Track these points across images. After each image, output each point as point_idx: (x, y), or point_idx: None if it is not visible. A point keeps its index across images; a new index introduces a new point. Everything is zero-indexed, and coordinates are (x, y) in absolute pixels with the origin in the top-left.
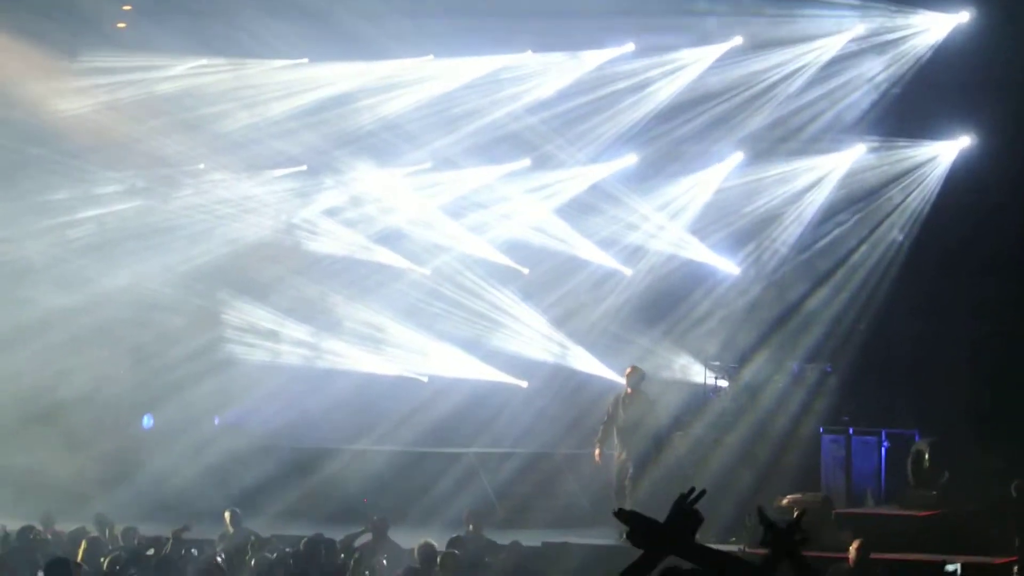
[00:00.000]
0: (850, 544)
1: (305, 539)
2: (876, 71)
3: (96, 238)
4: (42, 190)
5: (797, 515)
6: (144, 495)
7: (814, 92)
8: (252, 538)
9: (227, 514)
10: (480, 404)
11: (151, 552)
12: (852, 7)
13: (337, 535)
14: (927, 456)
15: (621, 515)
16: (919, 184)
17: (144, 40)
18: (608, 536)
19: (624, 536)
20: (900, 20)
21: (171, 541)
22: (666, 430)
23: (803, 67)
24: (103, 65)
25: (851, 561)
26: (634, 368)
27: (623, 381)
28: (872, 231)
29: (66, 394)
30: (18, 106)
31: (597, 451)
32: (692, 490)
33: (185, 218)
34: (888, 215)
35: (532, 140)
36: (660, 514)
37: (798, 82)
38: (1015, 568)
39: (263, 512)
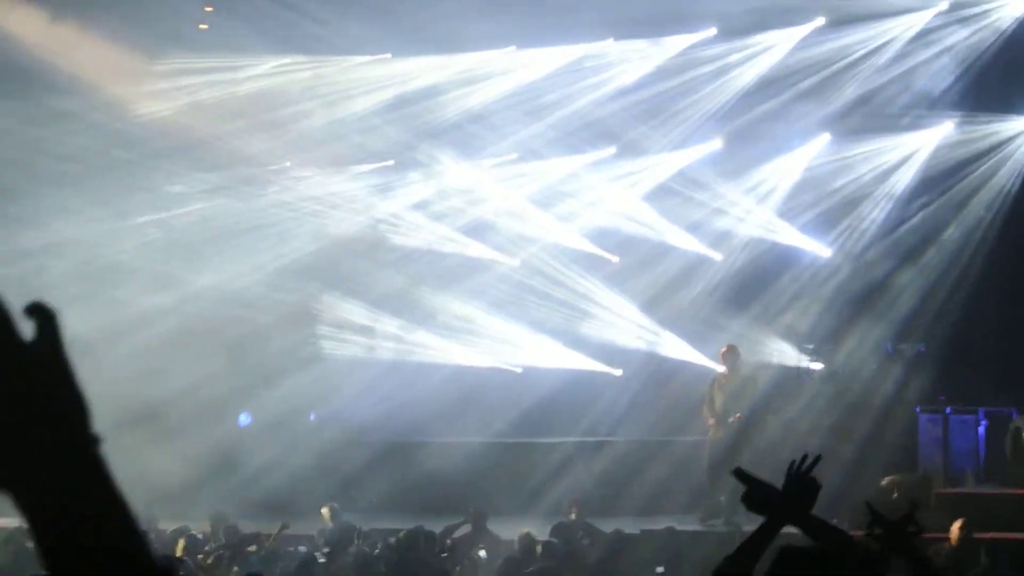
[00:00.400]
0: (951, 524)
1: (404, 531)
2: (961, 45)
3: (185, 238)
4: (130, 192)
5: (910, 508)
6: (243, 493)
7: (899, 68)
8: (353, 531)
9: (325, 509)
10: (574, 393)
11: (253, 548)
12: None
13: (436, 527)
14: None
15: (739, 474)
16: (1007, 160)
17: (226, 40)
18: (703, 522)
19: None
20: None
21: (272, 537)
22: (760, 412)
23: (887, 43)
24: (185, 67)
25: (954, 540)
26: (730, 347)
27: (717, 366)
28: (960, 209)
29: (162, 394)
30: (103, 109)
31: (711, 420)
32: (805, 457)
33: (273, 216)
34: (976, 193)
35: (617, 128)
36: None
37: (883, 58)
38: None
39: (361, 506)
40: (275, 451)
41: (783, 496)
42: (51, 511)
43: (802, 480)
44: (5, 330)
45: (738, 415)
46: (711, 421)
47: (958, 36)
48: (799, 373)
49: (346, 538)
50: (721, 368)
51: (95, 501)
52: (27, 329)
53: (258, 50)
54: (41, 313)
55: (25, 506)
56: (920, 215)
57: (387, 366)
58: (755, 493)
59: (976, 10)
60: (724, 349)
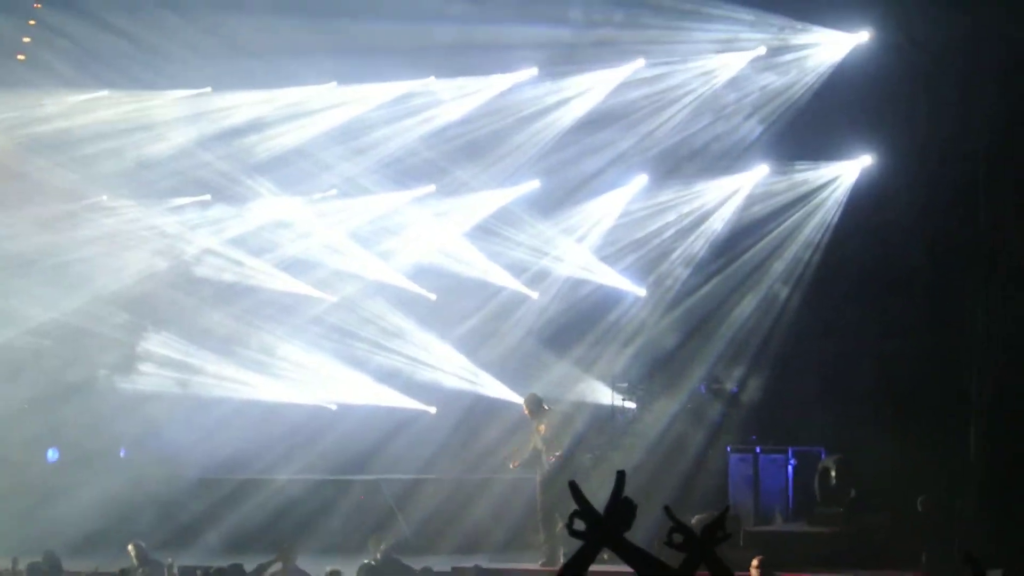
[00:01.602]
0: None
1: (215, 568)
2: (777, 91)
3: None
4: None
5: (719, 515)
6: (51, 530)
7: (715, 112)
8: (162, 569)
9: (131, 547)
10: (389, 431)
11: None
12: (751, 25)
13: (250, 564)
14: (834, 473)
15: (573, 488)
16: (822, 205)
17: (42, 72)
18: (519, 560)
19: (564, 526)
20: (800, 38)
21: None
22: (579, 449)
23: (705, 86)
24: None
25: None
26: (526, 401)
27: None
28: (775, 255)
29: None
30: None
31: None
32: (622, 477)
33: (88, 249)
34: (791, 238)
35: (437, 165)
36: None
37: (700, 102)
38: None
39: (169, 543)
40: (83, 488)
41: (602, 518)
42: None
43: (617, 502)
44: None
45: (557, 454)
46: (514, 463)
47: (774, 81)
48: (613, 411)
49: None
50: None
51: None
52: None
53: (75, 83)
54: None
55: None
56: (737, 260)
57: (202, 402)
58: (580, 513)
59: (790, 56)
60: (525, 405)
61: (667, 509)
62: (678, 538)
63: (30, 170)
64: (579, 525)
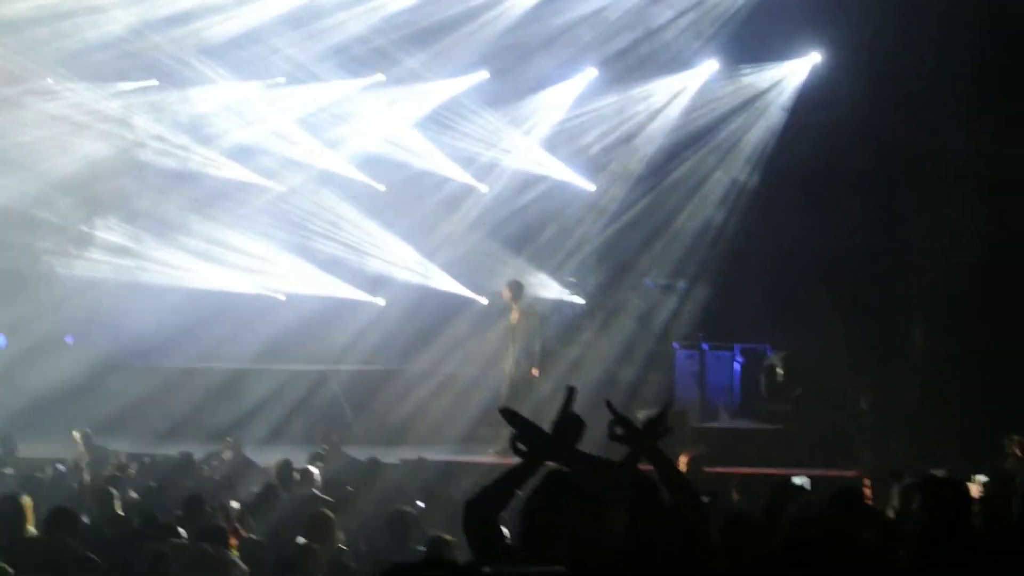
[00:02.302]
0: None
1: (161, 455)
2: None
3: None
4: None
5: (658, 411)
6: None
7: (665, 9)
8: (108, 454)
9: (77, 434)
10: (336, 322)
11: (10, 471)
12: None
13: (195, 452)
14: (780, 371)
15: (507, 414)
16: (770, 105)
17: None
18: (463, 452)
19: (508, 443)
20: None
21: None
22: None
23: None
24: None
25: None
26: (514, 283)
27: (477, 297)
28: (726, 152)
29: None
30: None
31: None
32: (571, 392)
33: (32, 133)
34: (741, 136)
35: (387, 54)
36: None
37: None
38: (865, 480)
39: (117, 432)
40: (30, 373)
41: (549, 435)
42: None
43: (566, 418)
44: None
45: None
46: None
47: None
48: (561, 307)
49: (102, 461)
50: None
51: None
52: None
53: None
54: None
55: None
56: (686, 158)
57: (147, 289)
58: (522, 433)
59: None
60: (508, 288)
61: (608, 403)
62: (620, 431)
63: None
64: (522, 446)
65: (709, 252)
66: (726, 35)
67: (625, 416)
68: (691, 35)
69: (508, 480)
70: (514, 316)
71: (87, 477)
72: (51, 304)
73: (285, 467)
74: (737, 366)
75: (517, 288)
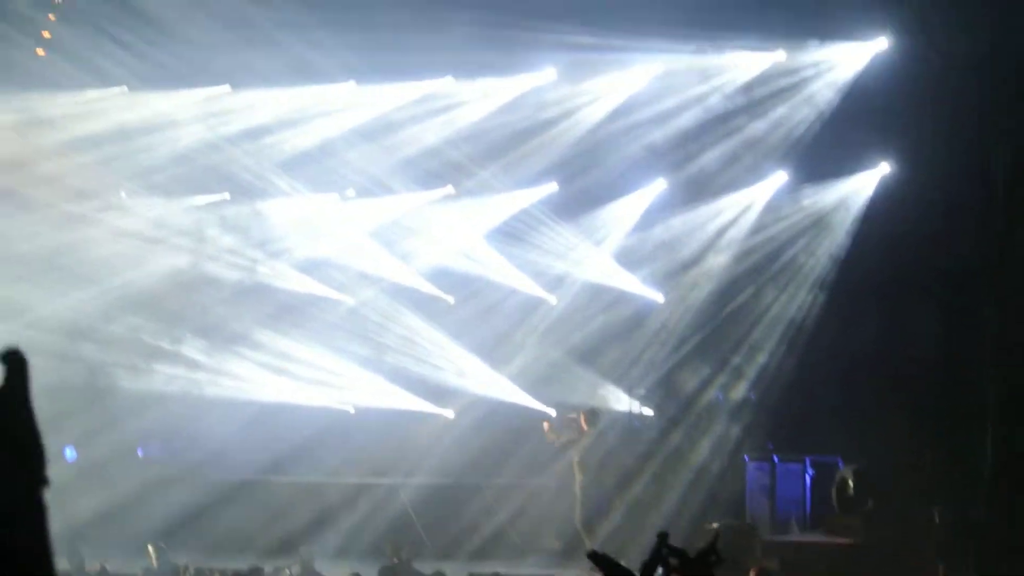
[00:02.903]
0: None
1: (232, 571)
2: (795, 103)
3: (21, 269)
4: None
5: (712, 538)
6: (66, 529)
7: (732, 124)
8: (177, 570)
9: (150, 547)
10: (406, 435)
11: None
12: (774, 37)
13: (266, 567)
14: (851, 483)
15: (595, 558)
16: (840, 217)
17: (58, 71)
18: (533, 566)
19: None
20: (819, 54)
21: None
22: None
23: (718, 97)
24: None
25: None
26: (592, 411)
27: (547, 409)
28: (796, 264)
29: None
30: None
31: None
32: (663, 538)
33: (104, 249)
34: (811, 248)
35: (456, 167)
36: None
37: (714, 112)
38: None
39: (188, 545)
40: (100, 487)
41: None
42: None
43: (655, 562)
44: None
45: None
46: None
47: (792, 99)
48: (631, 419)
49: (172, 574)
50: (576, 426)
51: (31, 537)
52: None
53: (91, 83)
54: (13, 359)
55: None
56: (754, 272)
57: (217, 402)
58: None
59: (809, 73)
60: (586, 415)
61: (660, 537)
62: (674, 563)
63: (46, 171)
64: None
65: (779, 363)
66: (796, 150)
67: (674, 547)
68: (760, 149)
69: None
70: (585, 442)
71: None
72: (121, 417)
73: None
74: (808, 479)
75: (593, 416)
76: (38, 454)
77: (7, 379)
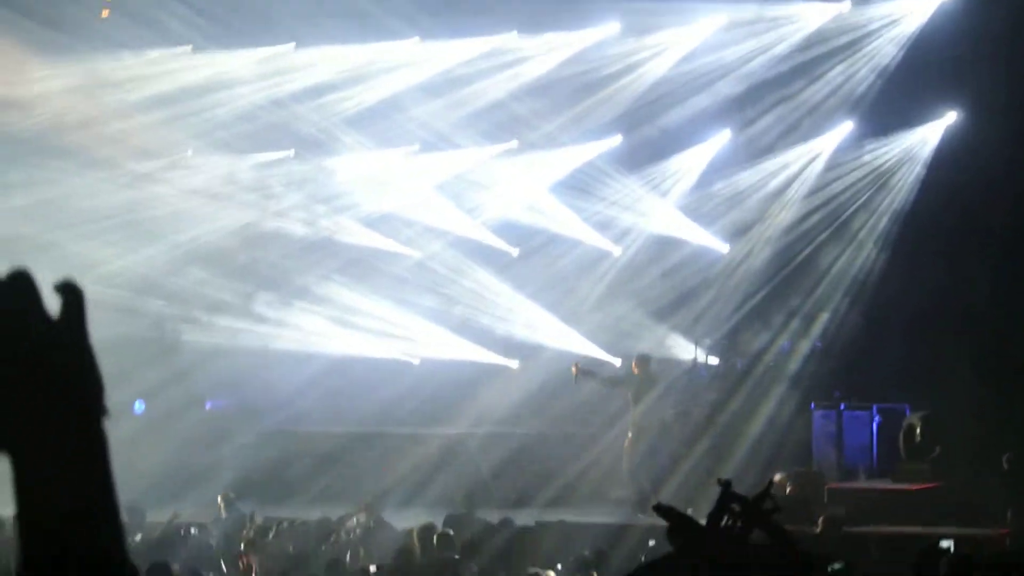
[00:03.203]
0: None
1: (300, 520)
2: (862, 52)
3: (91, 226)
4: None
5: (766, 484)
6: (137, 480)
7: (798, 75)
8: (244, 519)
9: (220, 497)
10: (472, 385)
11: (139, 537)
12: None
13: (331, 516)
14: (919, 430)
15: (660, 510)
16: (907, 164)
17: (123, 32)
18: (602, 514)
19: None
20: (884, 7)
21: (166, 523)
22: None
23: (788, 42)
24: (85, 64)
25: (818, 531)
26: (642, 357)
27: (612, 358)
28: (862, 212)
29: None
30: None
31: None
32: (727, 486)
33: (172, 204)
34: (877, 196)
35: (520, 121)
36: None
37: (779, 64)
38: (1007, 540)
39: (256, 495)
40: (170, 439)
41: (705, 528)
42: (47, 476)
43: (720, 511)
44: (35, 303)
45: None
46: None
47: (857, 51)
48: (696, 368)
49: (238, 526)
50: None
51: (92, 473)
52: (54, 304)
53: (154, 40)
54: (70, 291)
55: (21, 469)
56: (820, 221)
57: (286, 357)
58: (678, 526)
59: (876, 25)
60: (636, 360)
61: (721, 483)
62: (736, 508)
63: (113, 130)
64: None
65: (845, 311)
66: (861, 102)
67: (735, 493)
68: (825, 102)
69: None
70: (641, 385)
71: (222, 540)
72: (189, 370)
73: (427, 531)
74: (875, 426)
75: (643, 360)
76: (96, 388)
77: (64, 312)
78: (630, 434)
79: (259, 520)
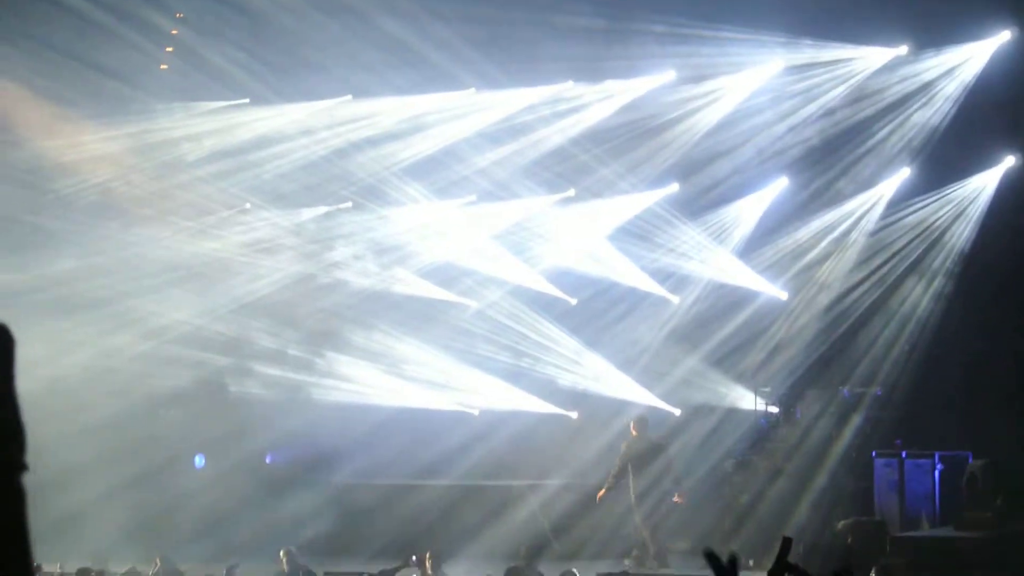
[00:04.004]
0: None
1: (364, 574)
2: (920, 99)
3: (149, 280)
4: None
5: (781, 550)
6: (197, 535)
7: (855, 121)
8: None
9: (282, 552)
10: (532, 436)
11: None
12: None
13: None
14: (981, 478)
15: (710, 557)
16: (967, 209)
17: (181, 83)
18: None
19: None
20: (942, 56)
21: None
22: (719, 459)
23: (839, 88)
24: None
25: None
26: (640, 418)
27: (672, 408)
28: (921, 257)
29: (127, 434)
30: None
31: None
32: (787, 544)
33: (232, 258)
34: (937, 241)
35: (577, 169)
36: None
37: (839, 112)
38: None
39: (317, 550)
40: (230, 493)
41: None
42: None
43: (780, 568)
44: None
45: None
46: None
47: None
48: (757, 417)
49: None
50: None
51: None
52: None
53: (212, 94)
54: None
55: None
56: (879, 266)
57: (342, 408)
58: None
59: (934, 74)
60: (635, 422)
61: (784, 542)
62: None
63: (173, 186)
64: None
65: (906, 357)
66: (922, 146)
67: (790, 563)
68: (886, 146)
69: None
70: (638, 447)
71: None
72: (247, 424)
73: None
74: (937, 474)
75: (641, 422)
76: (17, 438)
77: None
78: (633, 495)
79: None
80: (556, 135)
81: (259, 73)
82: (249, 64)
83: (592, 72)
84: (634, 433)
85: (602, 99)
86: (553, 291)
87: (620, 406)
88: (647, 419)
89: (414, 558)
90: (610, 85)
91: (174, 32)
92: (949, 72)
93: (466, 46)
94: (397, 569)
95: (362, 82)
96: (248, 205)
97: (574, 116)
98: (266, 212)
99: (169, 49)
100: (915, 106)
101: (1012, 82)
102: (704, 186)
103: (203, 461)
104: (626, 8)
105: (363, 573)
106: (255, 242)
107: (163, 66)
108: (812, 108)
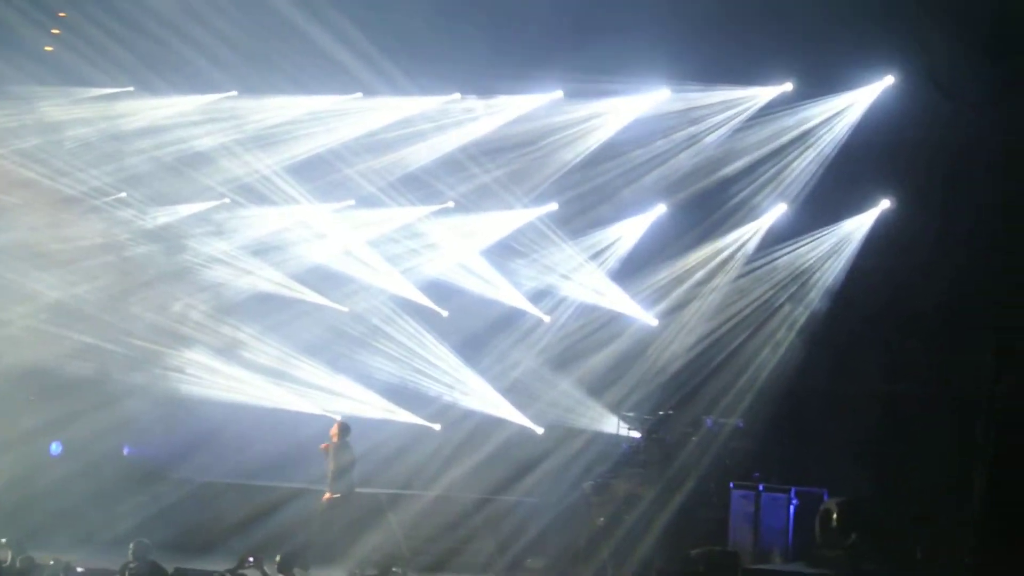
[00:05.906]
0: None
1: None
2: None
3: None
4: None
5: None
6: (46, 521)
7: (733, 157)
8: (160, 571)
9: (132, 544)
10: (391, 445)
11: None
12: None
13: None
14: (835, 516)
15: None
16: (838, 248)
17: (66, 68)
18: None
19: None
20: (826, 105)
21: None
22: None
23: (726, 119)
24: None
25: None
26: (340, 425)
27: (535, 427)
28: (788, 293)
29: None
30: None
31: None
32: None
33: (90, 251)
34: (805, 278)
35: (456, 182)
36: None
37: (718, 133)
38: None
39: (164, 544)
40: (81, 482)
41: None
42: None
43: None
44: None
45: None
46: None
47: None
48: (618, 441)
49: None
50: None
51: None
52: None
53: (95, 82)
54: None
55: None
56: (748, 299)
57: (204, 406)
58: None
59: (817, 121)
60: (339, 426)
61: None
62: None
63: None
64: None
65: (768, 391)
66: (802, 187)
67: None
68: (764, 186)
69: None
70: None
71: None
72: (110, 415)
73: None
74: (792, 509)
75: (345, 429)
76: None
77: None
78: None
79: (169, 570)
80: (437, 147)
81: (149, 60)
82: (138, 51)
83: (481, 87)
84: (334, 438)
85: (488, 114)
86: (425, 301)
87: (483, 420)
88: (348, 427)
89: (251, 559)
90: (498, 101)
91: (62, 15)
92: (832, 118)
93: (355, 51)
94: (240, 567)
95: (249, 78)
96: (123, 194)
97: (458, 129)
98: (142, 204)
99: (56, 31)
100: (797, 148)
101: (891, 126)
102: (582, 206)
103: (59, 448)
104: (520, 31)
105: (213, 571)
106: (133, 236)
107: (48, 48)
108: (695, 139)
